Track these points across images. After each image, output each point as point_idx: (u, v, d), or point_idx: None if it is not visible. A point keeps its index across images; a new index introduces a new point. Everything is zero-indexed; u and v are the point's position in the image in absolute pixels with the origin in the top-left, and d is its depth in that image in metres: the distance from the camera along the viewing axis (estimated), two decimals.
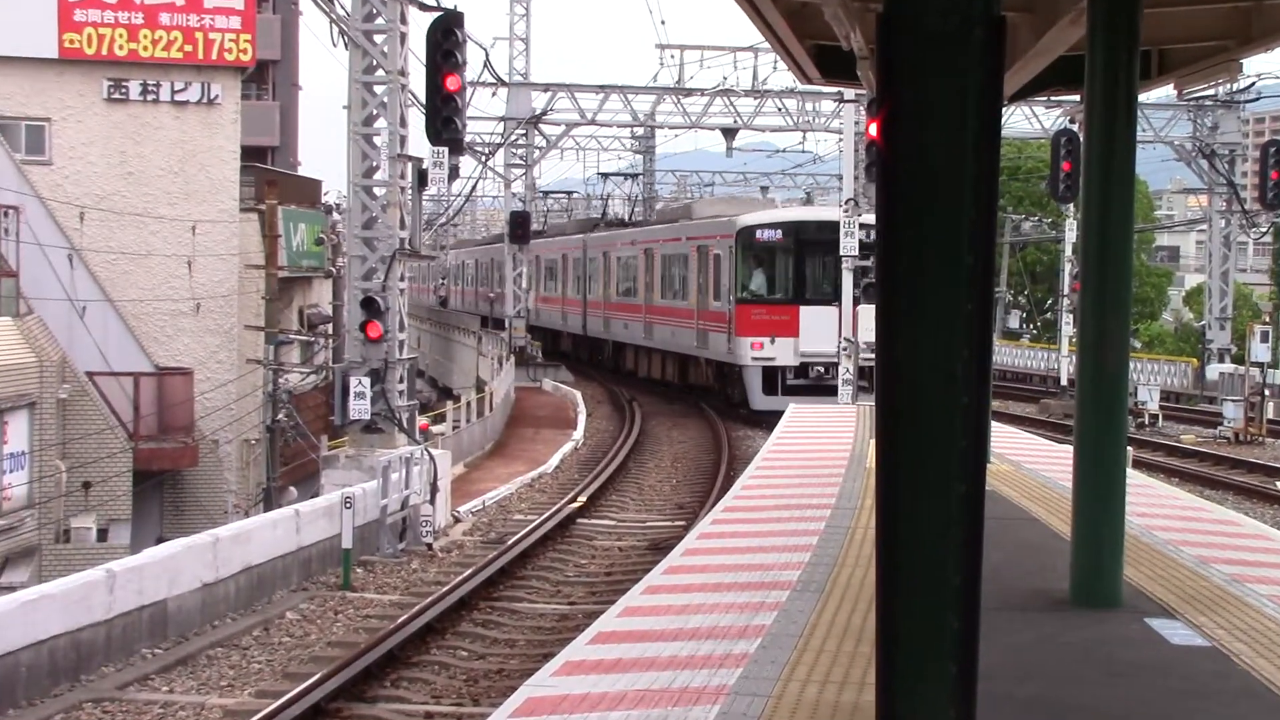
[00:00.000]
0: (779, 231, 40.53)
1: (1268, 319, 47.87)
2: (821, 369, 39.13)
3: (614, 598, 15.30)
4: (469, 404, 39.13)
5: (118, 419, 34.43)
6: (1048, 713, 8.61)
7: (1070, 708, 8.67)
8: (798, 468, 21.16)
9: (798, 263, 40.29)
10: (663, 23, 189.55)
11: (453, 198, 64.19)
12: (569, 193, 78.26)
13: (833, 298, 37.67)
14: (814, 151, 74.60)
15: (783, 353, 39.47)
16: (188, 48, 38.55)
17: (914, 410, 5.41)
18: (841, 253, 36.85)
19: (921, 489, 5.42)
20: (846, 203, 37.44)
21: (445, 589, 19.19)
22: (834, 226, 37.35)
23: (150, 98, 38.73)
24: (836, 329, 36.93)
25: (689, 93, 56.81)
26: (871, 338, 32.50)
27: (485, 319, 67.69)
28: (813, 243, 39.95)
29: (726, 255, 40.81)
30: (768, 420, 36.59)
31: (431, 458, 24.97)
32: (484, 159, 52.96)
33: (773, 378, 39.90)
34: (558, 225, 66.57)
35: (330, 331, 43.66)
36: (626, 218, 65.19)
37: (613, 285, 53.88)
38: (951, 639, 5.43)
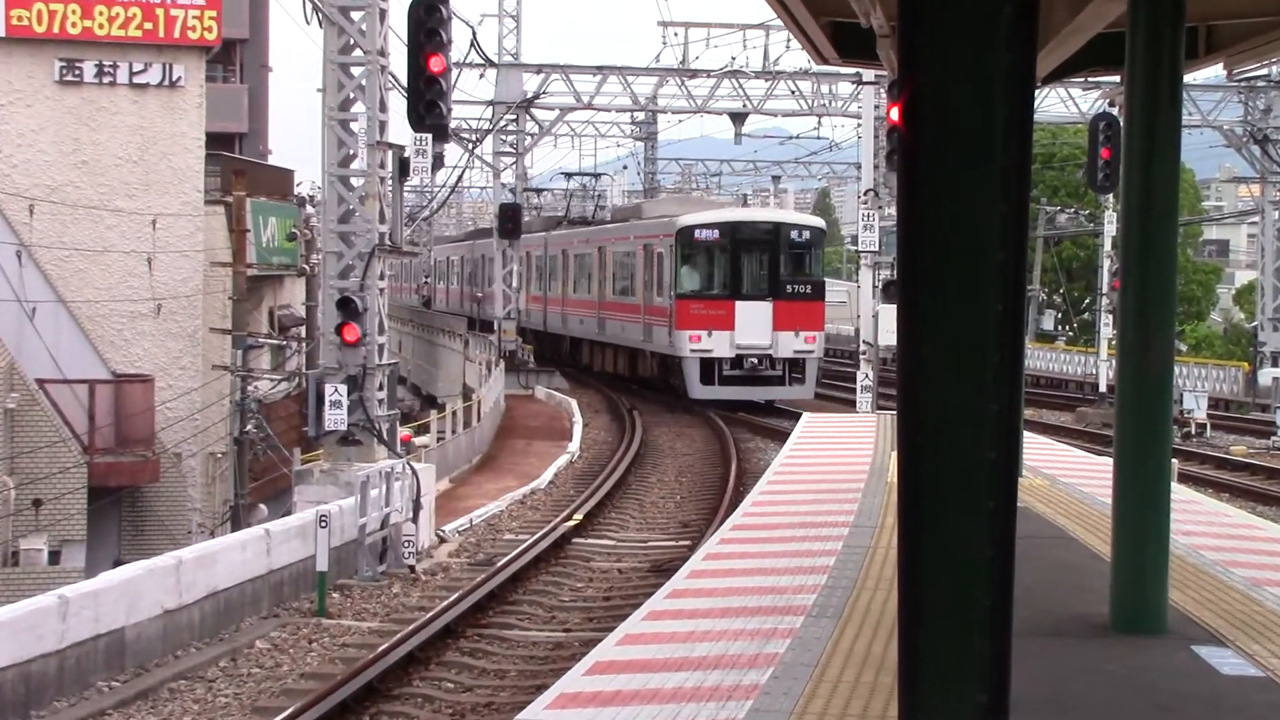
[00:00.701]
0: (716, 231, 45.95)
1: None
2: (756, 360, 44.80)
3: (613, 624, 15.31)
4: (455, 413, 39.12)
5: (71, 431, 34.44)
6: None
7: None
8: (813, 482, 21.16)
9: (734, 261, 45.62)
10: None
11: (437, 189, 64.27)
12: (578, 173, 79.61)
13: (767, 294, 44.61)
14: (830, 138, 74.61)
15: (720, 345, 44.79)
16: (147, 25, 38.58)
17: (939, 420, 5.41)
18: (860, 247, 37.05)
19: (948, 505, 5.42)
20: (866, 193, 37.55)
21: (429, 615, 19.19)
22: (768, 227, 45.56)
23: (106, 80, 38.77)
24: (770, 323, 43.89)
25: (694, 74, 56.87)
26: (893, 340, 32.69)
27: (472, 321, 67.71)
28: (748, 242, 45.68)
29: (668, 253, 46.17)
30: (778, 430, 37.54)
31: (414, 472, 24.97)
32: (471, 147, 53.05)
33: (710, 369, 45.27)
34: (524, 224, 68.46)
35: (303, 335, 43.69)
36: (590, 215, 69.61)
37: (570, 282, 59.15)
38: (981, 667, 5.43)
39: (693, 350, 45.07)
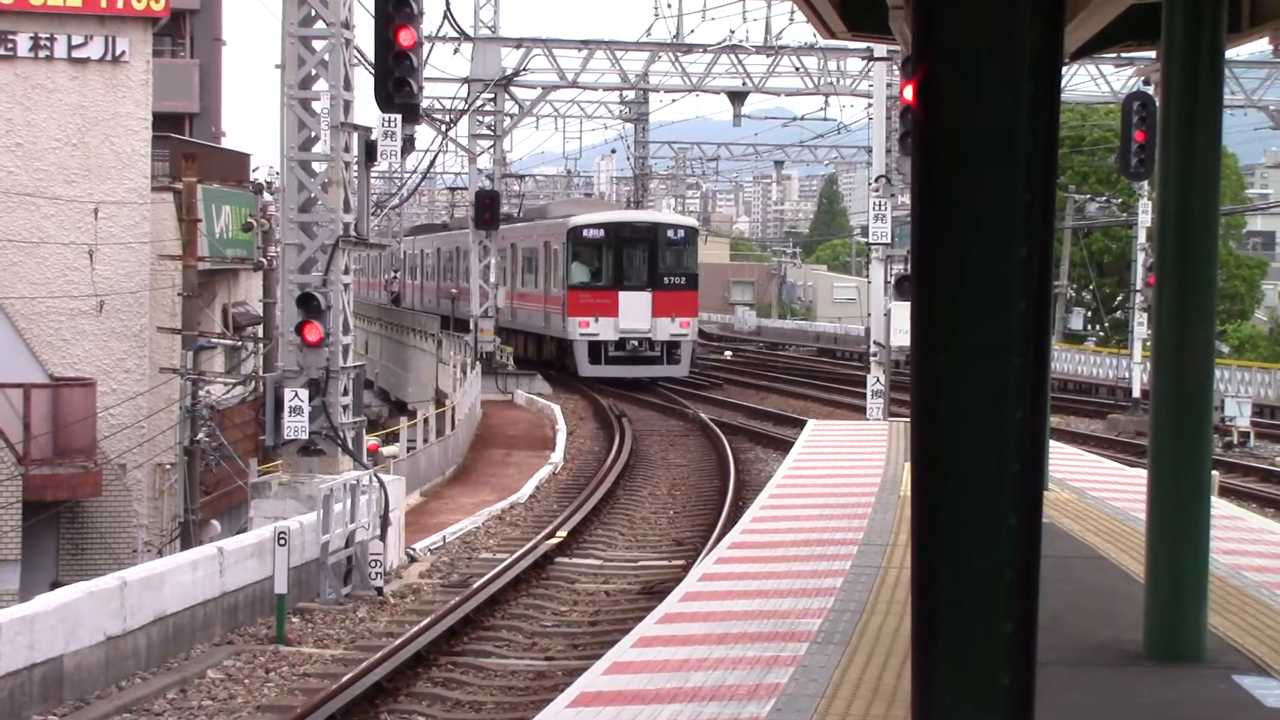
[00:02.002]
0: (602, 231, 57.17)
1: None
2: (637, 343, 56.06)
3: (599, 652, 15.32)
4: (427, 421, 39.13)
5: (4, 439, 34.42)
6: None
7: None
8: (818, 496, 21.19)
9: (617, 256, 56.58)
10: None
11: (407, 175, 64.38)
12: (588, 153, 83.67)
13: (646, 285, 56.03)
14: (838, 119, 74.66)
15: (605, 330, 55.85)
16: None
17: (957, 428, 5.42)
18: (871, 239, 37.16)
19: (966, 522, 5.43)
20: (877, 180, 37.63)
21: (398, 642, 19.18)
22: (647, 226, 58.56)
23: (43, 54, 38.73)
24: (649, 310, 55.43)
25: (689, 49, 56.95)
26: (906, 341, 32.80)
27: (446, 320, 67.79)
28: (629, 239, 57.04)
29: (562, 250, 56.93)
30: (781, 439, 37.61)
31: (382, 485, 24.97)
32: (444, 128, 53.06)
33: (597, 350, 56.83)
34: (459, 220, 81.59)
35: (260, 334, 43.68)
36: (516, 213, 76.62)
37: (443, 272, 71.61)
38: (1002, 699, 5.44)
39: (582, 334, 56.25)
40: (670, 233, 58.32)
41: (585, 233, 56.71)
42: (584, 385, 57.74)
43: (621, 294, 55.74)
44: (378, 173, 58.48)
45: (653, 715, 10.09)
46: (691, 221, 64.65)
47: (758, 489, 26.98)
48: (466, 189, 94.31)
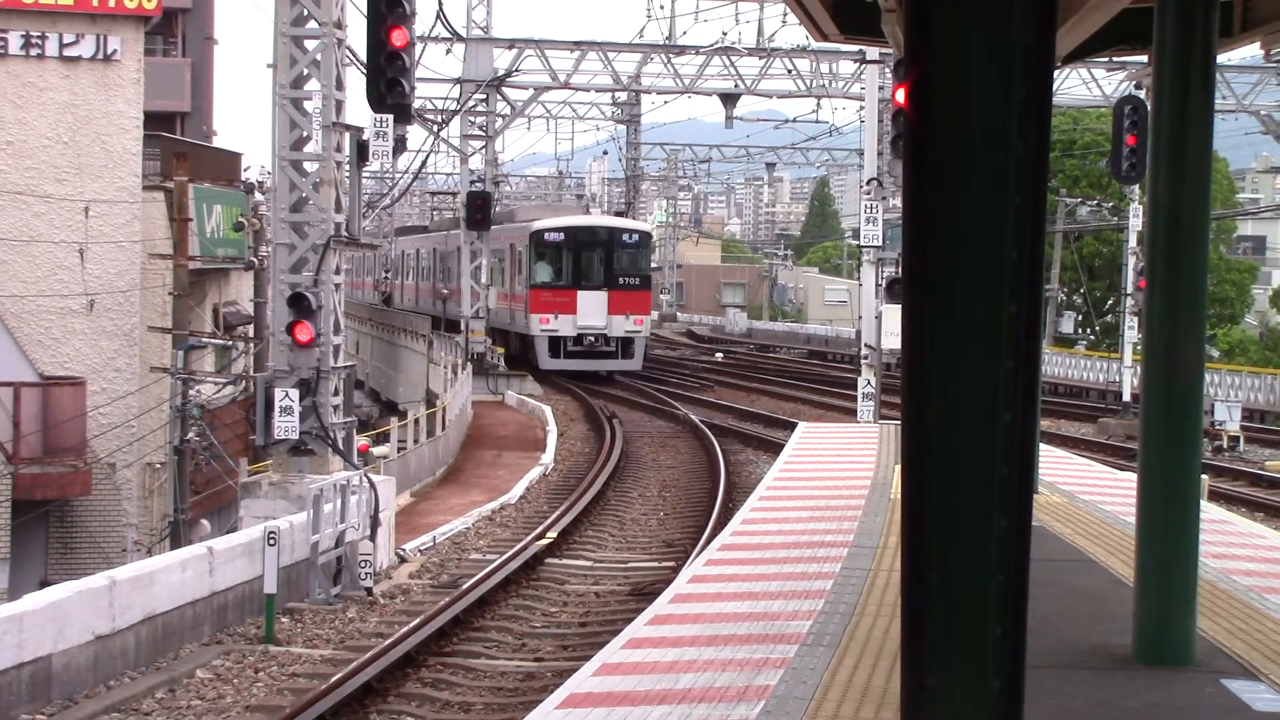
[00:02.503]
0: (562, 234, 61.31)
1: None
2: (594, 339, 60.08)
3: (589, 653, 15.32)
4: (417, 421, 39.10)
5: None
6: None
7: None
8: (809, 498, 21.19)
9: (575, 258, 60.71)
10: None
11: (398, 175, 64.50)
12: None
13: (603, 284, 59.96)
14: (830, 122, 74.87)
15: (564, 326, 59.83)
16: None
17: (948, 431, 5.42)
18: (862, 242, 37.20)
19: (956, 524, 5.43)
20: (869, 183, 37.62)
21: (388, 642, 19.18)
22: (604, 230, 62.48)
23: (34, 52, 38.69)
24: (605, 308, 59.43)
25: (681, 51, 56.93)
26: (897, 344, 32.83)
27: (437, 320, 67.86)
28: (587, 242, 61.16)
29: (525, 251, 60.67)
30: (772, 441, 37.65)
31: (372, 485, 24.96)
32: (436, 129, 53.04)
33: (557, 345, 60.58)
34: (436, 223, 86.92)
35: (251, 334, 43.64)
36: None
37: (436, 272, 74.33)
38: (992, 703, 5.44)
39: (542, 330, 59.99)
40: (625, 236, 62.85)
41: (546, 236, 61.09)
42: (571, 386, 57.92)
43: (580, 293, 59.98)
44: (369, 173, 58.43)
45: (642, 717, 10.08)
46: (646, 226, 71.31)
47: (748, 491, 26.98)
48: (445, 193, 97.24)
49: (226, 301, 47.36)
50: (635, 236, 63.62)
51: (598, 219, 67.00)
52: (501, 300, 65.12)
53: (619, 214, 75.99)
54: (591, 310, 60.00)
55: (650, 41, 57.78)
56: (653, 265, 67.47)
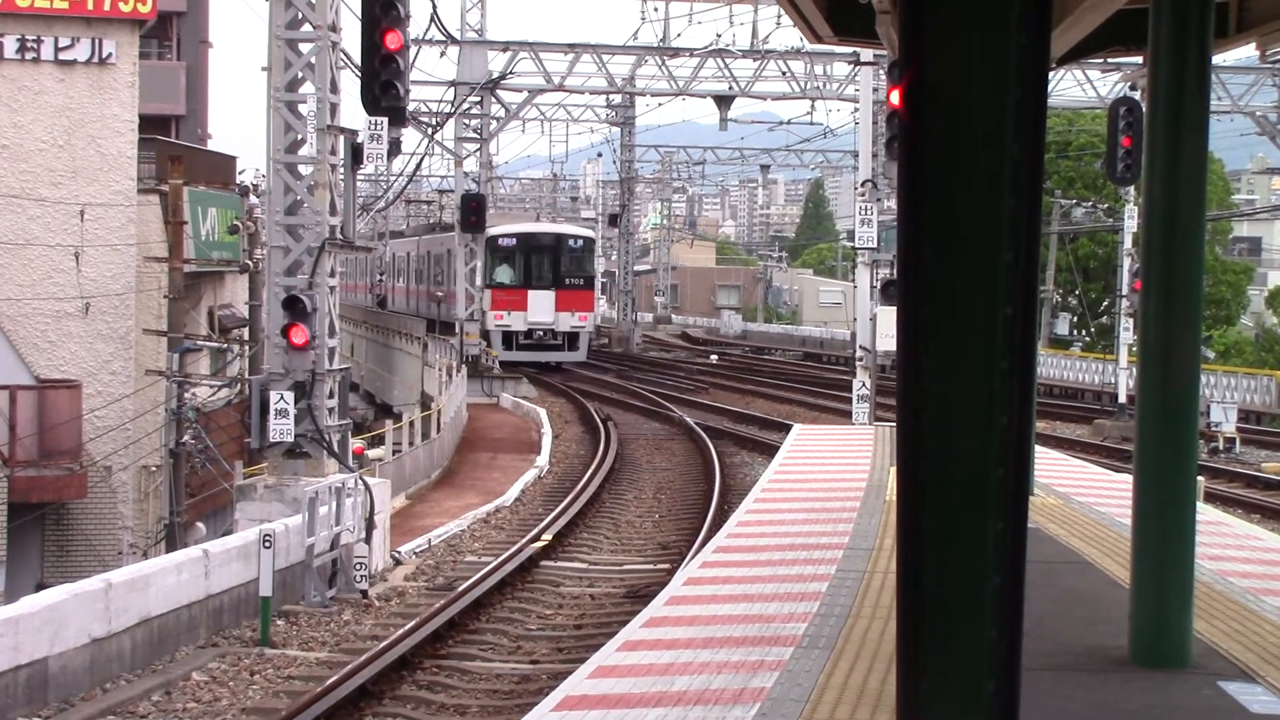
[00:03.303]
0: (514, 239, 67.88)
1: None
2: (542, 333, 65.92)
3: (584, 655, 15.31)
4: (412, 424, 39.09)
5: None
6: None
7: None
8: (804, 500, 21.18)
9: (525, 261, 67.13)
10: None
11: (393, 178, 64.64)
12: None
13: (551, 284, 65.95)
14: (824, 124, 74.69)
15: (516, 322, 65.78)
16: None
17: (943, 433, 5.41)
18: (857, 244, 37.21)
19: (952, 526, 5.42)
20: (863, 184, 37.62)
21: (383, 645, 19.17)
22: (552, 236, 69.16)
23: (29, 56, 38.66)
24: (553, 306, 65.35)
25: (675, 53, 56.95)
26: (892, 345, 32.80)
27: (432, 323, 67.92)
28: (536, 247, 67.61)
29: (482, 255, 63.18)
30: (766, 444, 37.67)
31: (367, 488, 24.95)
32: (430, 132, 53.03)
33: (510, 339, 66.21)
34: (414, 228, 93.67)
35: (246, 337, 43.62)
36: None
37: (430, 275, 78.44)
38: (987, 705, 5.44)
39: (497, 325, 65.27)
40: (571, 242, 69.42)
41: (500, 241, 66.89)
42: (566, 388, 58.16)
43: (530, 292, 66.22)
44: (364, 175, 58.48)
45: (638, 719, 10.08)
46: (589, 232, 76.16)
47: (743, 493, 26.97)
48: (421, 201, 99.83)
49: (222, 304, 47.34)
50: (580, 242, 70.05)
51: (546, 226, 74.28)
52: (392, 290, 74.40)
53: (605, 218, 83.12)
54: (541, 308, 66.09)
55: (644, 44, 57.81)
56: (598, 266, 74.94)
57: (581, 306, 67.85)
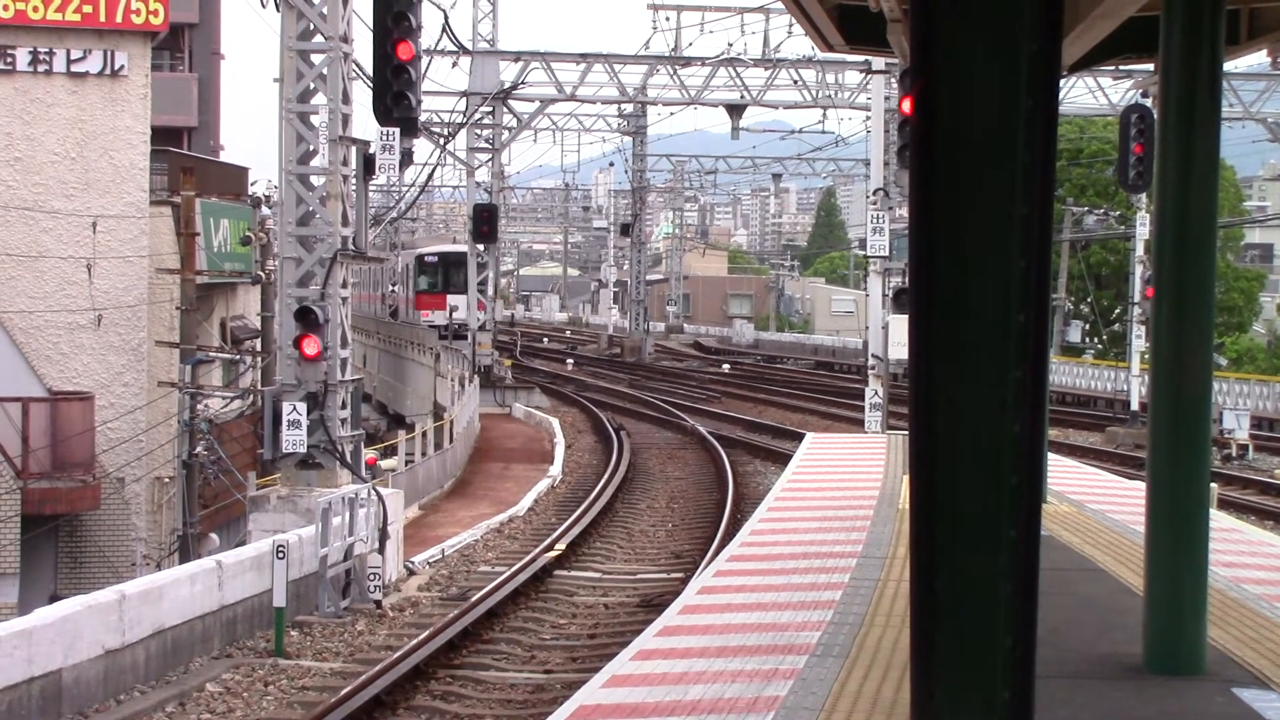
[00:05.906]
0: (436, 257, 79.51)
1: None
2: (457, 326, 70.67)
3: (598, 665, 15.30)
4: (425, 434, 39.12)
5: (3, 454, 34.40)
6: None
7: None
8: (817, 509, 21.18)
9: (445, 272, 77.85)
10: None
11: (405, 188, 64.65)
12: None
13: (464, 290, 69.96)
14: (836, 132, 74.74)
15: (438, 319, 73.87)
16: (86, 9, 38.52)
17: (956, 441, 5.41)
18: (868, 252, 37.22)
19: (965, 534, 5.42)
20: (875, 193, 37.62)
21: (397, 655, 19.18)
22: (464, 254, 70.48)
23: (42, 68, 38.72)
24: (464, 305, 70.21)
25: (687, 62, 56.96)
26: (904, 354, 32.78)
27: (444, 333, 68.14)
28: (452, 263, 76.24)
29: (413, 268, 79.20)
30: (779, 453, 37.68)
31: (380, 498, 24.96)
32: (442, 142, 53.05)
33: (434, 331, 73.18)
34: (404, 241, 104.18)
35: (259, 348, 43.65)
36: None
37: (392, 284, 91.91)
38: (1001, 713, 5.43)
39: (424, 321, 74.69)
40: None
41: (425, 258, 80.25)
42: (579, 397, 58.20)
43: (449, 296, 76.38)
44: (376, 186, 58.53)
45: None
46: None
47: (756, 502, 26.97)
48: (407, 218, 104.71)
49: (234, 316, 47.39)
50: (485, 258, 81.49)
51: (460, 246, 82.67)
52: (402, 302, 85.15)
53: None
54: (458, 308, 75.13)
55: (656, 53, 57.84)
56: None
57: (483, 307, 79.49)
